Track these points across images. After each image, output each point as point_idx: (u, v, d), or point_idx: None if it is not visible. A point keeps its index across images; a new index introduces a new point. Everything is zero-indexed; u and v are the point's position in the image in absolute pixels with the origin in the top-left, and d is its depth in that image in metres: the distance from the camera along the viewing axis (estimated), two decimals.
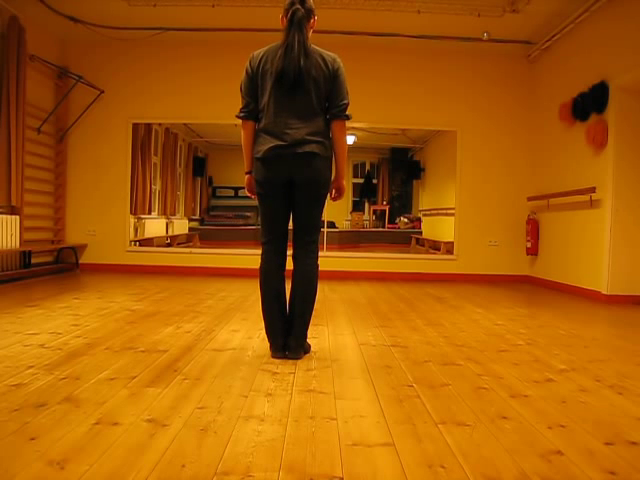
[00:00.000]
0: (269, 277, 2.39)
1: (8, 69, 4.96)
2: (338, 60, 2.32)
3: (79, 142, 6.21)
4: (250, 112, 2.33)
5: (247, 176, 2.43)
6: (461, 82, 6.27)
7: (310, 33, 2.34)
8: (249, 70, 2.33)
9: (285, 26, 2.28)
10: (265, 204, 2.38)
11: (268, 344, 2.43)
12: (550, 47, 5.68)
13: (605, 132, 4.62)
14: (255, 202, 2.43)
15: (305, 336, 2.42)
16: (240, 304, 3.92)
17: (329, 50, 2.34)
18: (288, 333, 2.37)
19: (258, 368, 2.17)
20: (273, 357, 2.35)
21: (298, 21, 2.24)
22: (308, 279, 2.39)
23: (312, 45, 2.30)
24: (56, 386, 1.84)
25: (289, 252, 2.44)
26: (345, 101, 2.31)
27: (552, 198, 5.52)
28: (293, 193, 2.34)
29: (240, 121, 2.37)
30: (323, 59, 2.28)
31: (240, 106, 2.35)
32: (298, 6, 2.25)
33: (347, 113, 2.32)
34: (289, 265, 2.43)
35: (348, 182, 11.05)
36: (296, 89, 2.24)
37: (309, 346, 2.50)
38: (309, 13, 2.30)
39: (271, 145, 2.24)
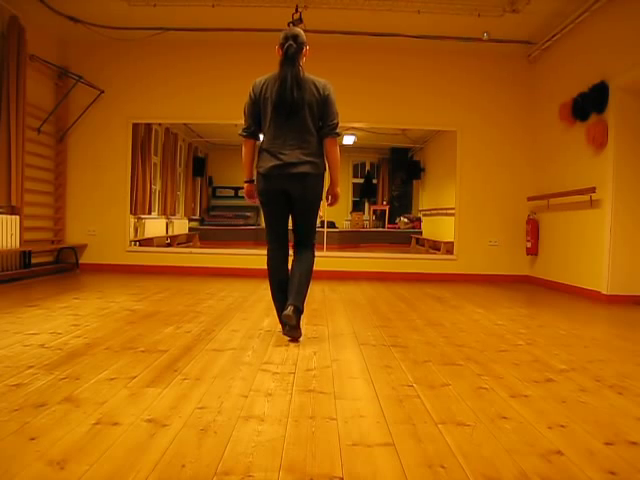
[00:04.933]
0: (275, 271, 2.79)
1: (8, 69, 4.96)
2: (328, 86, 2.66)
3: (79, 142, 6.21)
4: (251, 133, 2.71)
5: (246, 184, 2.83)
6: (461, 82, 6.27)
7: (303, 61, 2.67)
8: (252, 96, 2.68)
9: (280, 60, 2.61)
10: (267, 210, 2.77)
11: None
12: (550, 47, 5.68)
13: (605, 132, 4.62)
14: (255, 203, 2.88)
15: (302, 303, 2.69)
16: (240, 304, 3.92)
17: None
18: (286, 308, 2.65)
19: (258, 368, 2.17)
20: (289, 338, 2.69)
21: (291, 56, 2.57)
22: (306, 264, 2.76)
23: (305, 74, 2.63)
24: (56, 386, 1.84)
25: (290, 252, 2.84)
26: (335, 121, 2.65)
27: (552, 198, 5.52)
28: (291, 201, 2.71)
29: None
30: (315, 86, 2.62)
31: (244, 126, 2.72)
32: (291, 42, 2.58)
33: (337, 131, 2.66)
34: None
35: (348, 182, 11.08)
36: (291, 115, 2.59)
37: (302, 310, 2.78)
38: (301, 46, 2.62)
39: (271, 165, 2.62)
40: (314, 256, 2.84)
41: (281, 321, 2.73)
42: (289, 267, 2.82)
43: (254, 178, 2.76)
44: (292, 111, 2.57)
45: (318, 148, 2.67)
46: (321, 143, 2.69)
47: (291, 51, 2.57)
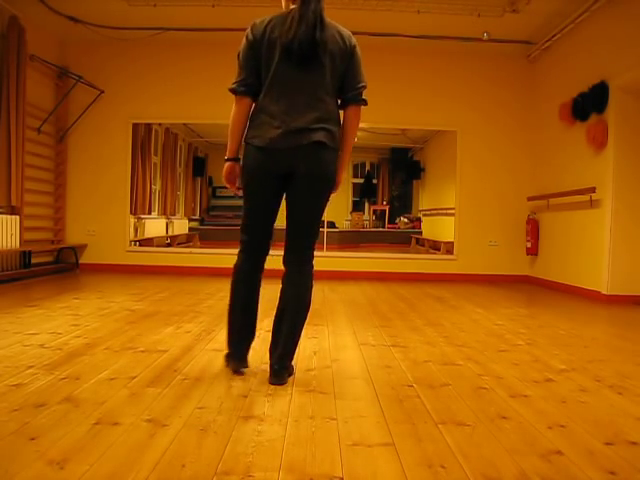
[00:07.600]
0: (242, 282, 2.08)
1: (8, 69, 4.96)
2: (354, 38, 2.02)
3: (79, 142, 6.20)
4: (248, 86, 1.97)
5: (228, 163, 2.04)
6: (461, 82, 6.27)
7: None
8: (250, 37, 1.95)
9: None
10: (253, 198, 2.03)
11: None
12: (550, 47, 5.68)
13: (605, 132, 4.62)
14: (235, 191, 2.11)
15: (291, 358, 2.06)
16: None
17: None
18: (273, 353, 2.02)
19: (258, 368, 2.16)
20: (233, 370, 2.07)
21: None
22: (302, 296, 2.03)
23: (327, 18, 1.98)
24: (56, 386, 1.84)
25: (272, 252, 2.12)
26: (363, 83, 2.02)
27: (552, 198, 5.52)
28: (288, 188, 2.01)
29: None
30: (340, 34, 1.97)
31: (235, 79, 1.98)
32: None
33: (365, 98, 2.04)
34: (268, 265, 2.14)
35: (348, 182, 11.04)
36: (308, 65, 1.91)
37: (293, 368, 2.11)
38: None
39: (273, 134, 1.90)
40: (313, 273, 2.08)
41: (230, 348, 2.11)
42: (260, 284, 2.11)
43: (239, 156, 2.03)
44: (309, 58, 1.89)
45: (336, 115, 2.00)
46: (338, 110, 2.03)
47: None
